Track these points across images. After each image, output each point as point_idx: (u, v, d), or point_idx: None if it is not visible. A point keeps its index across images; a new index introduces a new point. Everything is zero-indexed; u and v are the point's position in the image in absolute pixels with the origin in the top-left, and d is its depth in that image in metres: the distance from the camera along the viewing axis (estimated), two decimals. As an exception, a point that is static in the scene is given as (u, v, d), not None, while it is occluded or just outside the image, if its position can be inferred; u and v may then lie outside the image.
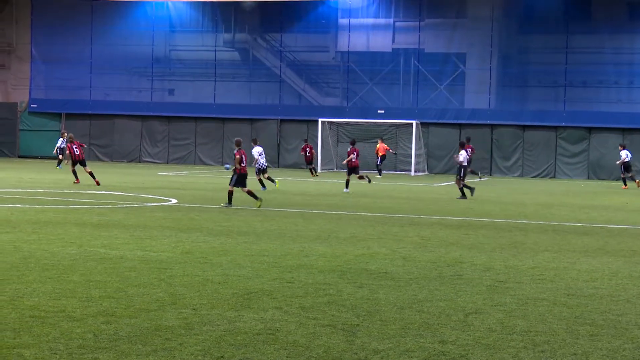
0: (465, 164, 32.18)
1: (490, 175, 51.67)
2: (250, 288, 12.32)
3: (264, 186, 34.08)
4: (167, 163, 56.97)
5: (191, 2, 57.83)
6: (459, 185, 31.74)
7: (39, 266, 13.78)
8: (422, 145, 52.74)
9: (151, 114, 58.24)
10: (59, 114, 60.39)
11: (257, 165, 34.65)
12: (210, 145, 56.93)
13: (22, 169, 45.10)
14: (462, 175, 31.80)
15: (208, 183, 37.65)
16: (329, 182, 39.65)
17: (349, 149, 35.07)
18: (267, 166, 36.36)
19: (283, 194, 31.94)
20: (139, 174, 35.98)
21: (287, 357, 8.74)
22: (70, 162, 35.99)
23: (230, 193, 25.93)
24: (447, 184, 41.79)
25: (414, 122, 51.66)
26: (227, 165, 45.72)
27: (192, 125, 57.34)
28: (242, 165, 26.00)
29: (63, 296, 11.36)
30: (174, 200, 26.58)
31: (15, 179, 36.53)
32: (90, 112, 59.24)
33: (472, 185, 33.17)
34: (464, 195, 31.40)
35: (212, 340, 9.27)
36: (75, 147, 35.81)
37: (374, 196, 32.17)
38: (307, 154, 48.04)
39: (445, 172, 52.48)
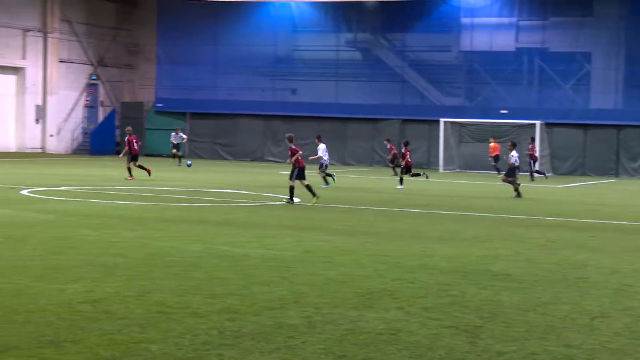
0: (517, 164, 31.87)
1: (617, 176, 50.61)
2: (372, 288, 12.32)
3: (327, 183, 34.40)
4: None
5: (314, 2, 58.11)
6: (514, 185, 31.25)
7: (165, 263, 14.02)
8: (547, 146, 51.97)
9: (273, 113, 58.71)
10: (184, 114, 61.41)
11: (321, 162, 35.06)
12: (331, 144, 56.96)
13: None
14: (514, 175, 31.48)
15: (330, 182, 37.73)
16: (452, 183, 39.42)
17: (403, 150, 35.32)
18: (329, 164, 36.57)
19: (403, 194, 31.85)
20: (262, 173, 36.30)
21: (409, 357, 8.72)
22: (128, 156, 36.14)
23: (292, 188, 26.09)
24: (572, 186, 41.12)
25: (537, 122, 50.96)
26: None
27: (313, 124, 57.62)
28: (300, 159, 26.24)
29: (188, 293, 11.54)
30: (297, 200, 26.76)
31: (142, 177, 37.24)
32: (214, 111, 60.07)
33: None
34: (519, 194, 30.94)
35: (334, 339, 9.30)
36: (135, 142, 36.37)
37: (496, 197, 31.84)
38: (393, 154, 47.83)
39: (570, 173, 51.61)
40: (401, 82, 56.26)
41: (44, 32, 58.93)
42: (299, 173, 26.17)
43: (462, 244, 17.63)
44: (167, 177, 37.68)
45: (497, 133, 50.42)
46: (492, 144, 47.69)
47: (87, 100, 63.10)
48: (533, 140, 46.38)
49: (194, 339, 9.11)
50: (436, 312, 10.75)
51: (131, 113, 62.37)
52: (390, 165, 46.75)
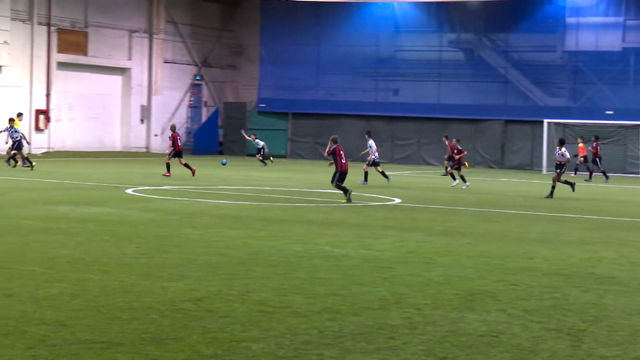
0: (564, 161, 31.33)
1: None
2: (473, 289, 12.24)
3: (365, 180, 34.55)
4: (391, 162, 57.25)
5: (416, 3, 57.91)
6: (555, 182, 30.68)
7: (266, 262, 14.12)
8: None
9: (375, 113, 58.71)
10: (286, 114, 61.82)
11: (372, 157, 35.23)
12: (433, 145, 56.80)
13: (250, 167, 46.35)
14: (560, 171, 30.95)
15: (431, 183, 37.65)
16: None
17: (459, 148, 35.11)
18: (379, 161, 36.39)
19: (504, 195, 31.55)
20: (362, 173, 36.24)
21: (511, 360, 8.65)
22: (172, 152, 36.23)
23: (338, 187, 26.15)
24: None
25: (644, 123, 50.06)
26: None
27: (414, 125, 57.46)
28: (342, 162, 26.07)
29: (289, 292, 11.61)
30: (397, 200, 26.70)
31: (244, 176, 37.60)
32: (315, 111, 60.31)
33: (572, 181, 31.92)
34: (551, 195, 30.44)
35: (436, 340, 9.26)
36: (179, 139, 36.52)
37: (598, 199, 31.36)
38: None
39: (677, 175, 50.53)
40: (504, 82, 55.75)
41: (150, 33, 59.88)
42: (340, 177, 26.09)
43: (563, 246, 17.39)
44: (269, 177, 37.93)
45: (602, 134, 49.55)
46: (580, 145, 46.90)
47: (190, 101, 63.94)
48: (597, 138, 45.29)
49: (295, 339, 9.17)
50: (539, 315, 10.63)
51: (234, 113, 63.04)
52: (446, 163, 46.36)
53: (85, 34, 55.81)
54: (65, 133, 55.05)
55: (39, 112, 52.78)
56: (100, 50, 56.80)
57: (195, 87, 64.13)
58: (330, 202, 25.97)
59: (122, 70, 58.94)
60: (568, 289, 12.47)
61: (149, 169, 38.65)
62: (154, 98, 60.43)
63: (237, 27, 64.95)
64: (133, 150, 58.61)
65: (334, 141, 26.63)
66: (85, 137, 56.46)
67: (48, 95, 53.71)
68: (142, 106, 59.93)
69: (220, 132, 63.23)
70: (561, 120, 52.72)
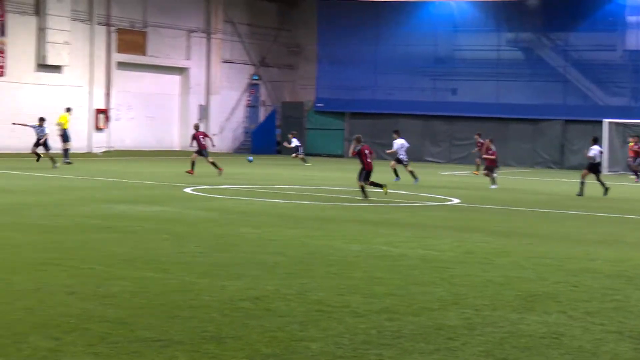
0: (598, 160, 30.91)
1: None
2: (533, 290, 12.13)
3: (397, 176, 34.82)
4: (449, 163, 57.04)
5: (475, 2, 57.62)
6: (581, 179, 30.64)
7: (324, 262, 14.12)
8: None
9: (433, 113, 58.51)
10: (343, 113, 61.80)
11: (399, 156, 35.32)
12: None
13: (307, 167, 46.36)
14: (598, 171, 30.75)
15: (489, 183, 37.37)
16: (615, 185, 38.50)
17: (493, 149, 34.76)
18: (408, 161, 36.05)
19: (564, 196, 31.25)
20: (420, 173, 36.15)
21: (572, 362, 8.56)
22: (197, 151, 36.50)
23: (362, 187, 26.24)
24: None
25: None
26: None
27: (473, 125, 57.14)
28: (368, 161, 26.35)
29: (347, 292, 11.59)
30: (456, 200, 26.57)
31: (302, 176, 37.64)
32: (373, 111, 60.23)
33: (607, 185, 31.38)
34: (581, 193, 30.27)
35: (495, 341, 9.20)
36: (203, 137, 36.66)
37: (662, 200, 30.97)
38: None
39: None
40: (563, 82, 55.26)
41: (208, 33, 60.21)
42: (366, 175, 26.41)
43: (625, 247, 17.19)
44: (325, 177, 37.95)
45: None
46: (631, 144, 46.26)
47: (248, 100, 64.18)
48: (639, 137, 44.63)
49: (354, 338, 9.15)
50: (600, 317, 10.51)
51: (291, 113, 63.19)
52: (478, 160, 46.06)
53: (144, 34, 56.30)
54: (124, 132, 55.56)
55: (98, 111, 53.35)
56: (159, 50, 57.25)
57: (252, 87, 64.36)
58: (388, 201, 25.90)
59: (180, 70, 59.33)
60: (630, 291, 12.32)
61: (207, 168, 38.74)
62: (212, 97, 60.76)
63: (295, 26, 65.08)
64: (192, 149, 58.87)
65: (358, 140, 26.97)
66: (144, 136, 56.92)
67: (108, 94, 54.27)
68: (200, 106, 60.27)
69: (278, 131, 63.36)
70: (622, 120, 52.13)
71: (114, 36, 54.34)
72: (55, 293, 11.00)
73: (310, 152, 59.53)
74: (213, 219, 20.10)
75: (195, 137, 36.97)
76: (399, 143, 35.72)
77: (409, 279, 12.72)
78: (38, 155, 38.63)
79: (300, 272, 13.01)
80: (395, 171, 35.43)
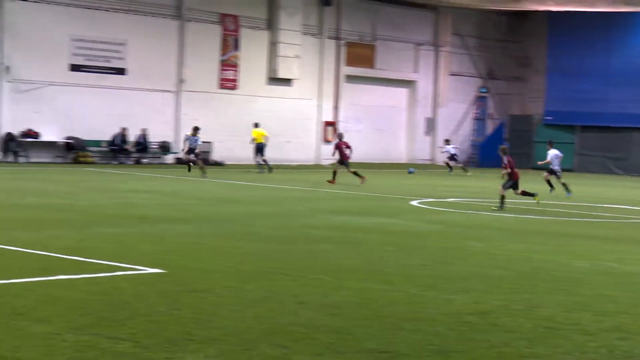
0: None
1: None
2: None
3: (551, 187, 33.37)
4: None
5: None
6: None
7: (549, 277, 13.83)
8: None
9: (668, 127, 56.52)
10: (573, 127, 60.45)
11: (552, 168, 34.06)
12: None
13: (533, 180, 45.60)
14: None
15: None
16: None
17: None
18: (561, 172, 34.24)
19: None
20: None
21: None
22: (339, 160, 35.95)
23: (502, 197, 25.93)
24: None
25: None
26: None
27: None
28: (515, 171, 26.38)
29: (575, 309, 11.29)
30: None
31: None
32: (604, 124, 58.63)
33: None
34: None
35: None
36: (346, 147, 36.01)
37: None
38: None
39: None
40: None
41: (436, 45, 60.24)
42: (513, 185, 26.45)
43: None
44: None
45: None
46: None
47: (475, 113, 63.78)
48: None
49: (582, 357, 8.91)
50: None
51: (519, 126, 62.33)
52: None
53: (373, 47, 56.90)
54: (351, 144, 56.16)
55: (327, 124, 54.24)
56: (387, 63, 57.70)
57: (480, 100, 63.90)
58: (619, 218, 25.13)
59: (408, 83, 59.59)
60: None
61: (434, 181, 38.84)
62: (439, 110, 60.73)
63: (524, 38, 64.18)
64: (418, 162, 59.06)
65: (504, 151, 27.33)
66: (371, 148, 57.40)
67: (336, 107, 55.12)
68: (427, 118, 60.34)
69: (506, 144, 62.58)
70: None
71: (343, 49, 55.19)
72: (284, 302, 11.20)
73: (536, 167, 58.54)
74: (438, 231, 20.05)
75: (338, 147, 36.84)
76: (553, 154, 34.63)
77: (641, 298, 12.29)
78: (189, 164, 38.32)
79: (525, 287, 12.78)
80: (549, 182, 34.21)
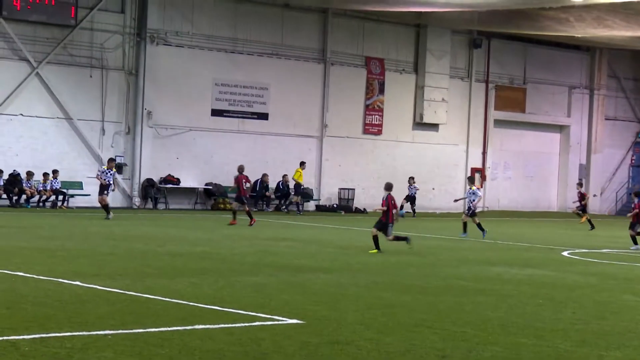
0: None
1: None
2: None
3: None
4: None
5: None
6: None
7: None
8: None
9: None
10: None
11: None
12: None
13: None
14: None
15: None
16: None
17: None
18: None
19: None
20: None
21: None
22: (236, 197, 33.94)
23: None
24: None
25: None
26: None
27: None
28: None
29: None
30: None
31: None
32: None
33: None
34: None
35: None
36: (244, 182, 33.34)
37: None
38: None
39: None
40: None
41: (590, 89, 58.72)
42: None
43: None
44: None
45: None
46: None
47: (632, 159, 61.81)
48: None
49: None
50: None
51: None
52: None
53: (524, 91, 55.87)
54: (500, 192, 55.25)
55: (474, 170, 53.22)
56: (539, 106, 56.51)
57: (637, 145, 61.91)
58: None
59: (560, 128, 58.21)
60: None
61: (587, 231, 37.57)
62: (593, 156, 59.05)
63: None
64: (570, 210, 57.56)
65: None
66: (521, 196, 56.26)
67: (484, 153, 54.20)
68: (581, 165, 58.76)
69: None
70: None
71: (492, 93, 54.32)
72: (426, 356, 10.76)
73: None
74: (592, 284, 19.23)
75: (237, 181, 33.39)
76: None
77: None
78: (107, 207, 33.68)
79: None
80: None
